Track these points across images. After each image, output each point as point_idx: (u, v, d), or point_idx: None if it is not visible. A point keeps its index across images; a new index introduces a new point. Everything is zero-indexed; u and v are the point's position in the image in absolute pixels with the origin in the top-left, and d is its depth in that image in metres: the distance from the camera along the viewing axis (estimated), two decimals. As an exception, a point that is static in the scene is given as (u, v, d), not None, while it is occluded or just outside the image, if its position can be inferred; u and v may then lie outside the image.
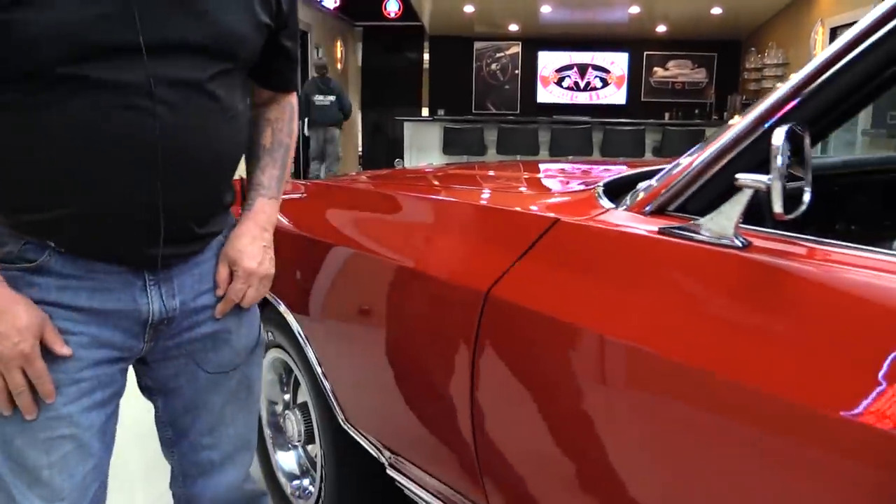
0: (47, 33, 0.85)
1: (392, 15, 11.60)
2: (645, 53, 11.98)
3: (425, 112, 12.41)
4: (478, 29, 11.73)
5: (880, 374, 0.67)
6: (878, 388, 0.66)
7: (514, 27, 11.69)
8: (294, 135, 1.24)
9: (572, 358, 0.96)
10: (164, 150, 0.92)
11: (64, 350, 0.96)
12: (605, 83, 12.08)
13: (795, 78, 0.80)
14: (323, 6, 10.58)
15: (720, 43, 11.68)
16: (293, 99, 1.24)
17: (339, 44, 11.64)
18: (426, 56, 12.86)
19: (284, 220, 1.77)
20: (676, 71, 11.98)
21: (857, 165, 1.40)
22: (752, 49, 10.55)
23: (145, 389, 1.17)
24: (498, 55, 12.14)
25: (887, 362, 0.67)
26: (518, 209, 1.13)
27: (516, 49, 12.07)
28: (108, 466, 1.06)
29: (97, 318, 1.00)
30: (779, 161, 0.69)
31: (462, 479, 1.22)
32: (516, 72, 12.10)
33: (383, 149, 12.37)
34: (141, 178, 0.93)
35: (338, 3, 10.97)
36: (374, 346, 1.42)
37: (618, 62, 12.00)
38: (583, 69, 12.04)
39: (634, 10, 10.30)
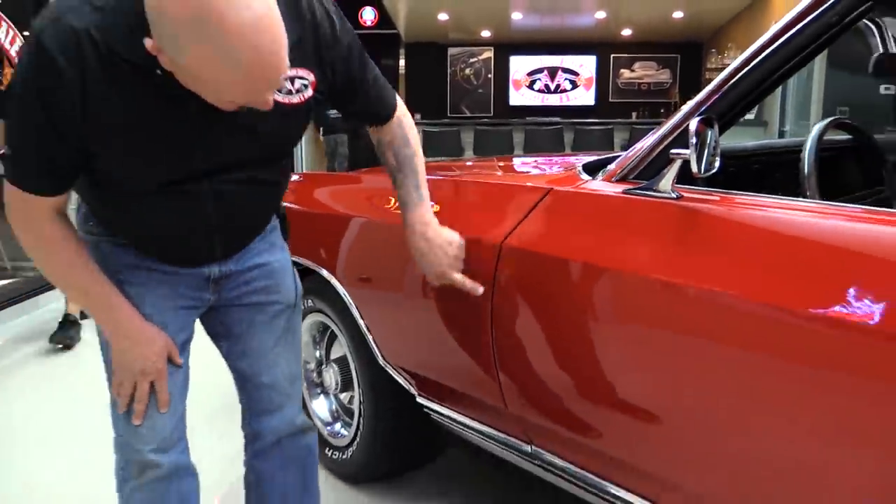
0: (124, 179, 1.16)
1: (368, 23, 11.94)
2: (612, 56, 12.48)
3: (401, 116, 12.71)
4: (452, 35, 12.14)
5: (762, 266, 1.10)
6: (759, 276, 1.09)
7: (486, 33, 12.11)
8: (413, 139, 1.45)
9: (568, 284, 1.37)
10: (218, 229, 1.26)
11: (179, 361, 1.29)
12: (574, 85, 12.56)
13: (707, 88, 1.23)
14: (302, 16, 10.94)
15: (683, 45, 12.20)
16: (398, 117, 1.43)
17: (317, 52, 11.97)
18: (402, 62, 13.24)
19: (297, 203, 2.16)
20: (642, 72, 12.50)
21: (768, 148, 1.83)
22: (713, 50, 11.05)
23: (214, 336, 1.46)
24: (471, 60, 12.61)
25: (766, 259, 1.10)
26: (523, 184, 1.54)
27: (489, 54, 12.55)
28: (186, 396, 1.36)
29: (173, 276, 1.29)
30: (693, 140, 1.11)
31: (484, 389, 1.63)
32: (489, 76, 12.59)
33: (364, 153, 12.67)
34: (202, 243, 1.28)
35: (316, 13, 11.32)
36: (408, 297, 1.82)
37: (586, 65, 12.49)
38: (553, 72, 12.54)
39: (601, 14, 10.74)
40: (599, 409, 1.38)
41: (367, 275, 1.96)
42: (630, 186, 1.32)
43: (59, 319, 3.59)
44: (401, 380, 1.91)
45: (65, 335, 3.51)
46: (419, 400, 1.89)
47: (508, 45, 12.48)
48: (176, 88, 1.01)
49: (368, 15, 12.09)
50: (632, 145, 1.39)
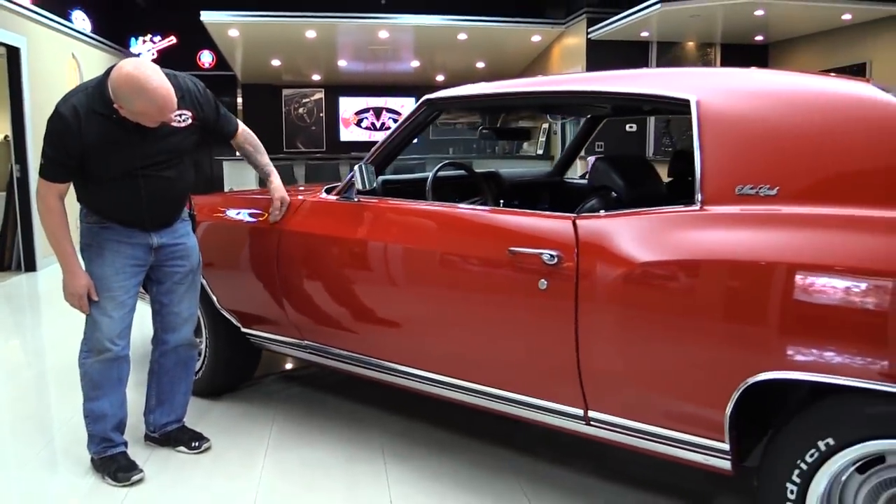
0: (101, 174, 2.37)
1: (206, 65, 12.79)
2: (429, 98, 14.02)
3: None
4: (285, 78, 13.05)
5: (394, 227, 2.49)
6: (393, 231, 2.48)
7: (316, 77, 13.18)
8: (258, 141, 2.84)
9: (312, 245, 2.71)
10: (147, 201, 2.46)
11: (95, 296, 2.41)
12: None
13: (372, 150, 2.62)
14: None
15: (488, 90, 13.90)
16: (243, 130, 2.77)
17: (157, 91, 12.64)
18: (239, 100, 13.77)
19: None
20: (456, 113, 14.10)
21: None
22: (511, 95, 12.79)
23: (152, 282, 2.63)
24: (304, 100, 13.60)
25: (397, 223, 2.50)
26: (295, 197, 2.88)
27: (320, 95, 13.62)
28: (133, 315, 2.53)
29: (133, 246, 2.46)
30: (356, 172, 2.49)
31: (276, 312, 2.93)
32: (321, 115, 13.63)
33: (203, 186, 13.35)
34: (139, 210, 2.46)
35: (155, 56, 12.14)
36: (231, 265, 3.09)
37: (407, 105, 13.78)
38: (378, 111, 13.82)
39: (416, 63, 12.13)
40: (340, 310, 2.72)
41: (211, 256, 3.21)
42: (339, 197, 2.70)
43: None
44: (231, 318, 3.16)
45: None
46: (243, 330, 3.15)
47: (337, 87, 13.60)
48: (126, 124, 2.26)
49: (206, 58, 12.95)
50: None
